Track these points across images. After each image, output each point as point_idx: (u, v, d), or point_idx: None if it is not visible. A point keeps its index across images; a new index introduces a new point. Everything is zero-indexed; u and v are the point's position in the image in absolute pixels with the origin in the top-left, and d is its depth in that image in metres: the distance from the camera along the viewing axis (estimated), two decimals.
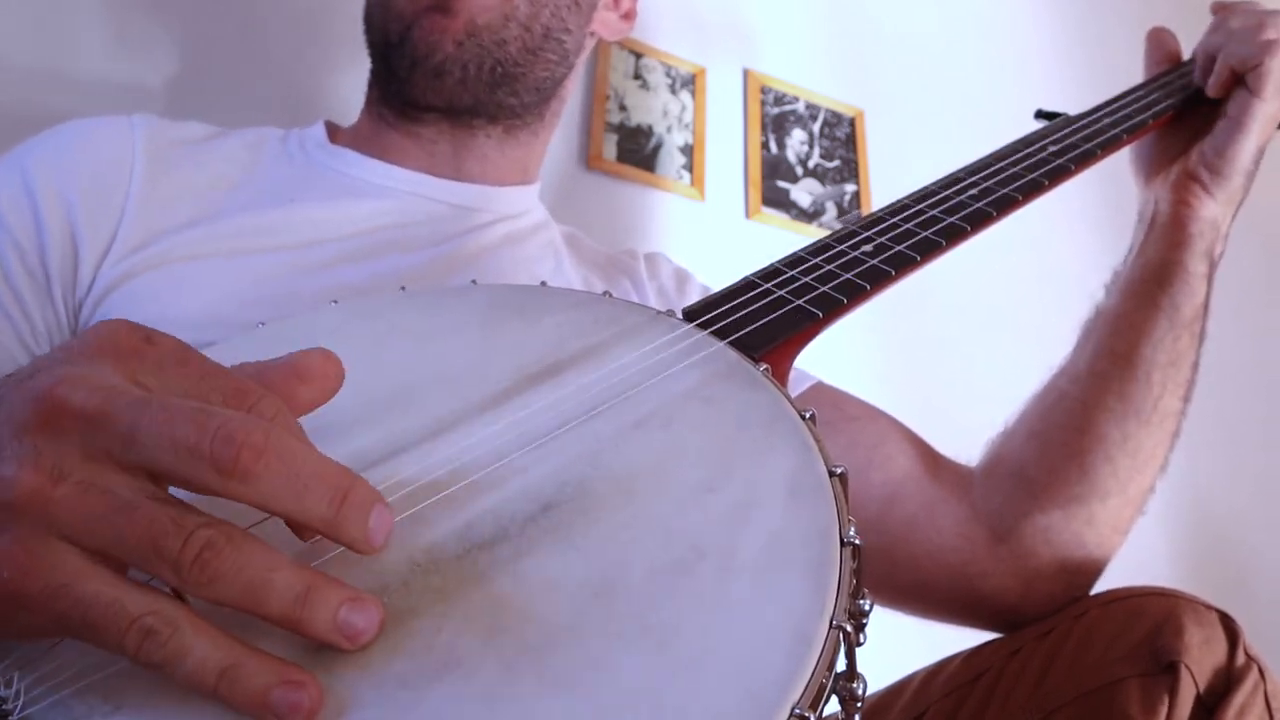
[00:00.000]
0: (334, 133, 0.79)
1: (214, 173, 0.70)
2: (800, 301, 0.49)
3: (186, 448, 0.29)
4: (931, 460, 0.71)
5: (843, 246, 0.55)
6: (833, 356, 0.79)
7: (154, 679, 0.30)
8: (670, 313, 0.48)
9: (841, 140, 1.40)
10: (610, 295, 0.50)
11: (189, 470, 0.29)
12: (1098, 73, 1.29)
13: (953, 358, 1.35)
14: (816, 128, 1.39)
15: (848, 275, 0.52)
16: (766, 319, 0.48)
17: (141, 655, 0.28)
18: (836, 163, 1.38)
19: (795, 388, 0.73)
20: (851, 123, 1.42)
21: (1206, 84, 0.73)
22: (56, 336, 0.63)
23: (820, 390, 0.74)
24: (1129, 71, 0.82)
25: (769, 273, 0.53)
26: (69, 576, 0.28)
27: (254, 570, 0.29)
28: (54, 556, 0.28)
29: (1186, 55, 0.79)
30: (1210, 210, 0.70)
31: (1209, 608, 0.56)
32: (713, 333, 0.46)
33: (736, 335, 0.46)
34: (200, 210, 0.67)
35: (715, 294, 0.51)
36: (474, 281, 0.53)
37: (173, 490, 0.31)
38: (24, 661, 0.30)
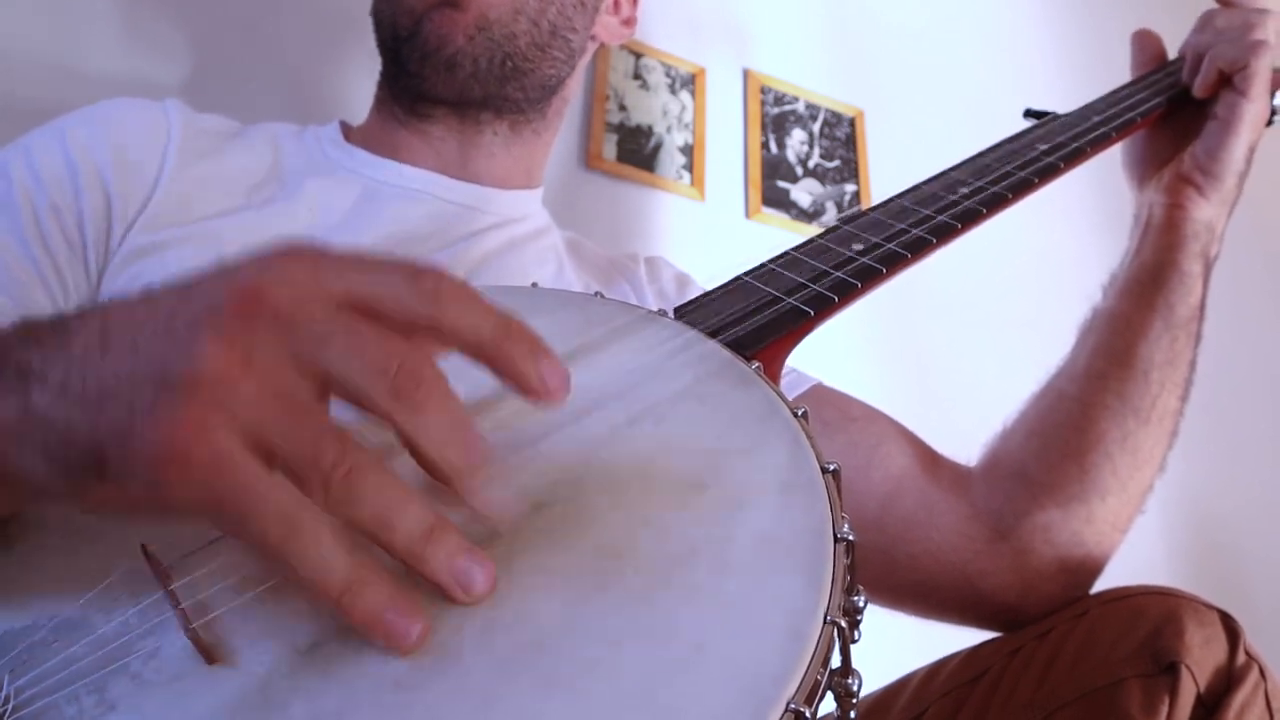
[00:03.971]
0: (346, 131, 0.80)
1: (240, 165, 0.72)
2: (792, 300, 0.49)
3: (375, 367, 0.31)
4: (930, 460, 0.71)
5: (834, 244, 0.55)
6: (832, 357, 0.79)
7: (148, 682, 0.30)
8: (662, 312, 0.48)
9: (841, 140, 1.40)
10: (603, 295, 0.50)
11: (370, 386, 0.31)
12: (1096, 72, 1.29)
13: (952, 358, 1.34)
14: (816, 128, 1.39)
15: (839, 273, 0.52)
16: (758, 317, 0.48)
17: (279, 548, 0.29)
18: (836, 163, 1.38)
19: (795, 389, 0.73)
20: (851, 123, 1.42)
21: (1194, 84, 0.73)
22: (84, 300, 0.64)
23: (820, 391, 0.74)
24: (1127, 71, 0.82)
25: (761, 271, 0.53)
26: (234, 460, 0.29)
27: (390, 499, 0.31)
28: (226, 439, 0.29)
29: (1173, 54, 0.79)
30: (1204, 212, 0.70)
31: (1209, 607, 0.56)
32: (705, 331, 0.46)
33: (729, 334, 0.46)
34: (226, 202, 0.68)
35: (707, 293, 0.51)
36: None
37: None
38: (15, 664, 0.31)
